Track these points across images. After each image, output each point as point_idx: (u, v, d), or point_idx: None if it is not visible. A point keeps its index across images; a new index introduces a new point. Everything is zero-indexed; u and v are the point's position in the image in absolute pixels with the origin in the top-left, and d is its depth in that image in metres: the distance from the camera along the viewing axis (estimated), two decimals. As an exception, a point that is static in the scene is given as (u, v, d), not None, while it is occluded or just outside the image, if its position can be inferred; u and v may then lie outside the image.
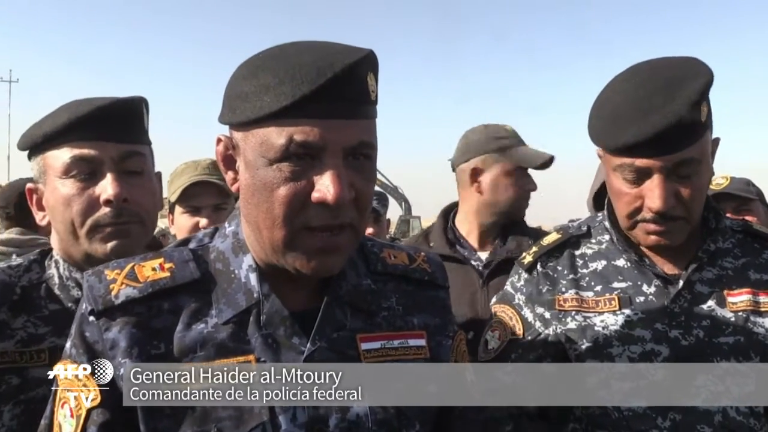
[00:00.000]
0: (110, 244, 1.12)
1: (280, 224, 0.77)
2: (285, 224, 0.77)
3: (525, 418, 1.25)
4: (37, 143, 1.13)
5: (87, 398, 0.80)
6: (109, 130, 1.11)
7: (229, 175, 0.84)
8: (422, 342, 0.93)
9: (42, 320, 1.11)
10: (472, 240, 1.91)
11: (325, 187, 0.75)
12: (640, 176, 1.11)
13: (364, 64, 0.76)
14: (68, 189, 1.11)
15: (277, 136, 0.74)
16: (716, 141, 1.18)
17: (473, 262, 1.85)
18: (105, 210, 1.11)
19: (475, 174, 1.89)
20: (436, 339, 0.95)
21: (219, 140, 0.84)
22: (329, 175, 0.75)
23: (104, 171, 1.12)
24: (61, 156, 1.10)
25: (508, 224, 1.90)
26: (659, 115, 1.04)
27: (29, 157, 1.17)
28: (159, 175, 1.29)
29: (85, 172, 1.11)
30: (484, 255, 1.87)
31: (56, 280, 1.16)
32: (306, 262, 0.79)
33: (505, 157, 1.85)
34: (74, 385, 0.82)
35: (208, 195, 1.88)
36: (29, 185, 1.20)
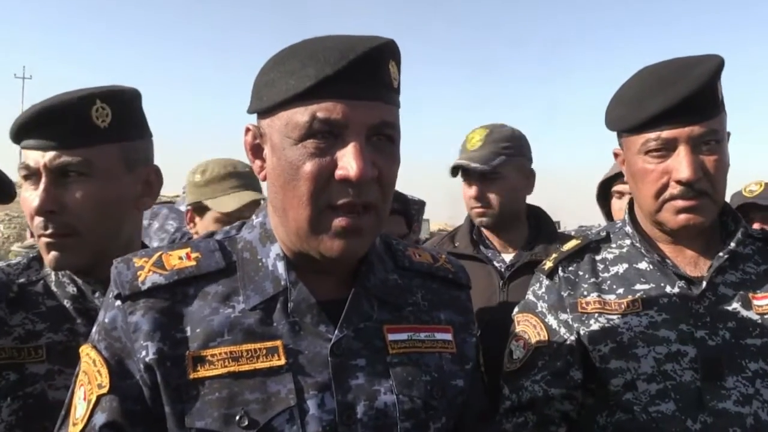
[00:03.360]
0: (49, 256, 1.11)
1: (305, 202, 0.79)
2: (310, 202, 0.79)
3: None
4: (11, 140, 1.14)
5: (99, 384, 0.81)
6: (42, 137, 1.09)
7: (256, 164, 0.87)
8: (449, 336, 0.95)
9: (39, 316, 1.12)
10: (496, 242, 1.90)
11: (347, 163, 0.77)
12: (666, 150, 1.12)
13: (386, 50, 0.79)
14: (23, 193, 1.12)
15: (300, 115, 0.77)
16: (728, 134, 1.20)
17: (496, 263, 1.85)
18: (38, 219, 1.10)
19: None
20: (461, 336, 0.97)
21: (247, 130, 0.87)
22: (351, 152, 0.77)
23: (41, 178, 1.09)
24: (22, 158, 1.12)
25: (536, 228, 1.88)
26: (684, 82, 1.09)
27: None
28: (154, 168, 1.24)
29: (30, 177, 1.11)
30: (509, 257, 1.86)
31: (53, 277, 1.17)
32: (330, 245, 0.81)
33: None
34: (91, 370, 0.83)
35: (249, 209, 1.85)
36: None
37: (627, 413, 1.15)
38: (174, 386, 0.79)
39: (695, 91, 1.08)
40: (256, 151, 0.86)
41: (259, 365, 0.81)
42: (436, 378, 0.90)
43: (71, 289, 1.16)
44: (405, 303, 0.93)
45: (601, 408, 1.21)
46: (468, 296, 1.04)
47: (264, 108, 0.82)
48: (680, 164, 1.11)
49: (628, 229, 1.29)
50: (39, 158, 1.09)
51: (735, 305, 1.16)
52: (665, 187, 1.14)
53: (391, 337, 0.89)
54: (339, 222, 0.79)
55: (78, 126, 1.09)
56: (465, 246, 1.89)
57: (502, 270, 1.82)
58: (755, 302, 1.16)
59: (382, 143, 0.81)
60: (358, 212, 0.80)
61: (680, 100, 1.08)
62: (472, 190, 1.80)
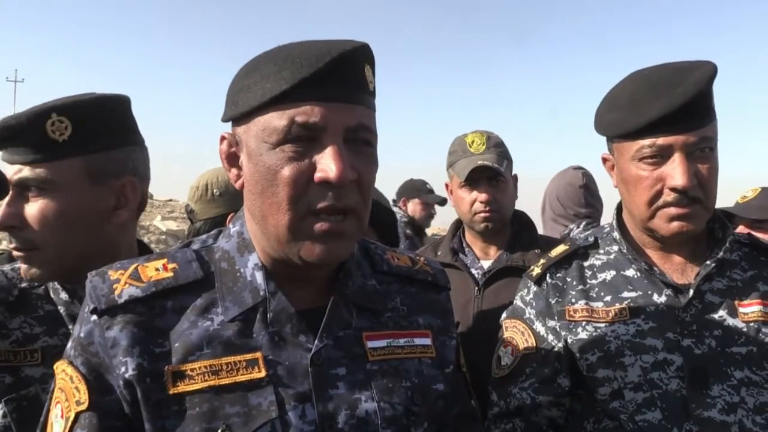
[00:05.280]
0: (22, 269, 1.13)
1: (285, 208, 0.78)
2: (290, 208, 0.77)
3: None
4: None
5: (77, 401, 0.79)
6: (7, 153, 1.11)
7: (232, 173, 0.85)
8: (428, 341, 0.95)
9: (37, 320, 1.15)
10: (477, 248, 1.91)
11: (326, 165, 0.76)
12: (661, 156, 1.12)
13: (360, 53, 0.79)
14: None
15: (278, 119, 0.76)
16: None
17: (473, 270, 1.86)
18: (8, 234, 1.12)
19: (448, 189, 1.95)
20: (440, 339, 0.98)
21: (222, 138, 0.86)
22: (330, 154, 0.76)
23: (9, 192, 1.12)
24: None
25: (517, 233, 1.88)
26: (681, 87, 1.07)
27: None
28: (128, 181, 1.20)
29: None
30: (487, 263, 1.87)
31: (52, 282, 1.19)
32: (311, 249, 0.79)
33: (453, 172, 1.87)
34: (68, 386, 0.81)
35: None
36: None
37: (614, 421, 1.16)
38: (154, 402, 0.78)
39: (693, 97, 1.07)
40: (231, 159, 0.85)
41: (240, 378, 0.80)
42: (416, 384, 0.90)
43: (63, 295, 1.18)
44: (384, 309, 0.93)
45: (589, 415, 1.21)
46: (447, 297, 1.04)
47: (239, 114, 0.80)
48: (675, 171, 1.10)
49: (616, 234, 1.29)
50: (9, 172, 1.11)
51: (721, 313, 1.16)
52: (659, 194, 1.13)
53: (370, 344, 0.89)
54: (320, 226, 0.78)
55: (34, 142, 1.08)
56: (444, 254, 1.90)
57: (478, 277, 1.83)
58: (741, 310, 1.16)
59: (360, 146, 0.80)
60: (340, 216, 0.79)
61: (679, 107, 1.07)
62: (483, 194, 1.79)
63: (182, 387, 0.78)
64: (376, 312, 0.92)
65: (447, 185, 1.96)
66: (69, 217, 1.11)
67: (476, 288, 1.80)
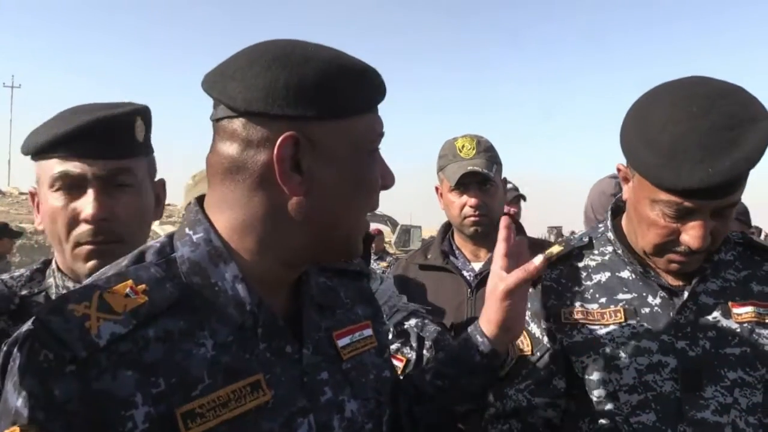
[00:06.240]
0: (89, 264, 1.12)
1: (365, 210, 0.83)
2: (366, 210, 0.84)
3: None
4: (31, 152, 1.14)
5: None
6: (93, 148, 1.11)
7: (295, 179, 0.76)
8: (370, 332, 0.98)
9: None
10: (467, 251, 1.92)
11: (389, 172, 0.85)
12: (682, 215, 1.07)
13: None
14: (55, 202, 1.11)
15: (376, 125, 0.81)
16: None
17: (465, 273, 1.86)
18: (85, 227, 1.11)
19: (438, 191, 1.96)
20: (377, 327, 1.01)
21: (291, 138, 0.74)
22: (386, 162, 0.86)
23: (87, 187, 1.11)
24: (50, 168, 1.11)
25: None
26: (730, 160, 0.98)
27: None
28: (162, 182, 1.28)
29: (69, 187, 1.11)
30: (478, 265, 1.88)
31: (54, 289, 1.18)
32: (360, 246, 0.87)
33: (444, 176, 1.88)
34: None
35: None
36: (31, 189, 1.22)
37: (609, 421, 1.16)
38: None
39: (740, 174, 0.99)
40: (293, 163, 0.75)
41: (249, 406, 0.74)
42: (375, 375, 0.94)
43: None
44: (337, 305, 0.95)
45: (584, 414, 1.21)
46: (368, 283, 1.08)
47: (331, 113, 0.75)
48: (694, 233, 1.06)
49: (610, 235, 1.28)
50: (85, 167, 1.11)
51: (715, 314, 1.16)
52: (672, 242, 1.11)
53: (340, 343, 0.90)
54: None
55: (126, 138, 1.15)
56: (435, 257, 1.91)
57: (470, 279, 1.84)
58: (735, 311, 1.16)
59: None
60: None
61: (721, 183, 0.98)
62: (472, 199, 1.80)
63: (195, 428, 0.70)
64: (333, 309, 0.93)
65: (437, 188, 1.97)
66: (145, 212, 1.19)
67: (469, 290, 1.82)
